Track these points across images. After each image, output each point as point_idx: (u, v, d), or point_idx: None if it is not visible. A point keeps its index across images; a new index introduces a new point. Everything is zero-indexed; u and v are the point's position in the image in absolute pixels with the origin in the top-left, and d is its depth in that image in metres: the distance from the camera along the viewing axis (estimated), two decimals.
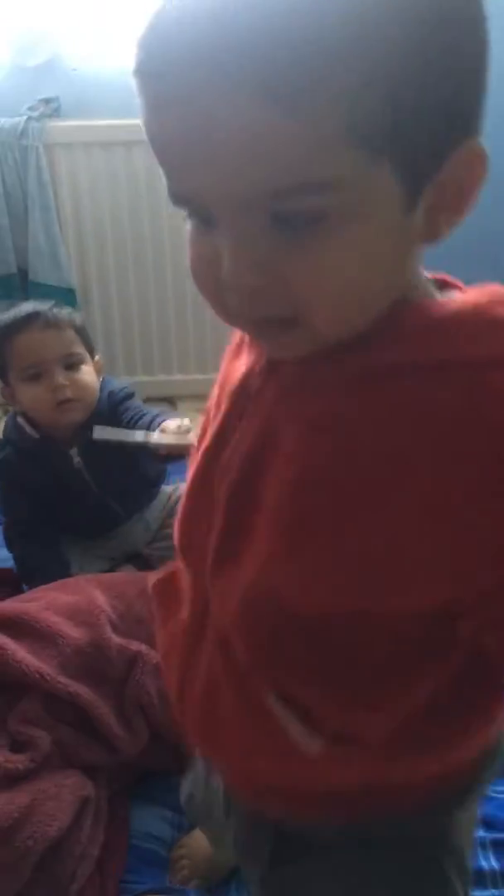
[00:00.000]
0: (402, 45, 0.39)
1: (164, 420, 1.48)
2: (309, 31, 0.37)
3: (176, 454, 1.43)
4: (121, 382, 1.67)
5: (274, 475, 0.54)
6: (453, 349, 0.48)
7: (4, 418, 1.63)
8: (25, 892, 1.01)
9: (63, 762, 1.14)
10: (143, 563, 1.65)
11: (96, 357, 1.58)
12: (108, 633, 1.23)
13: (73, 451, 1.55)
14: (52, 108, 2.08)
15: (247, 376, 0.58)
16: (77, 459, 1.55)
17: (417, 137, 0.42)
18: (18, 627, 1.21)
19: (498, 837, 1.13)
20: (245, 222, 0.44)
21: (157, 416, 1.52)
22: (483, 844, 1.12)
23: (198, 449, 0.63)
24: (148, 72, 0.42)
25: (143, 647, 1.24)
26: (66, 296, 2.17)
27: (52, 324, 1.48)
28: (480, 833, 1.11)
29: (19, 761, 1.09)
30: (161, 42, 0.41)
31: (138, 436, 1.46)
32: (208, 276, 0.48)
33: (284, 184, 0.41)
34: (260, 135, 0.39)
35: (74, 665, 1.19)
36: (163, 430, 1.43)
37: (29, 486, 1.56)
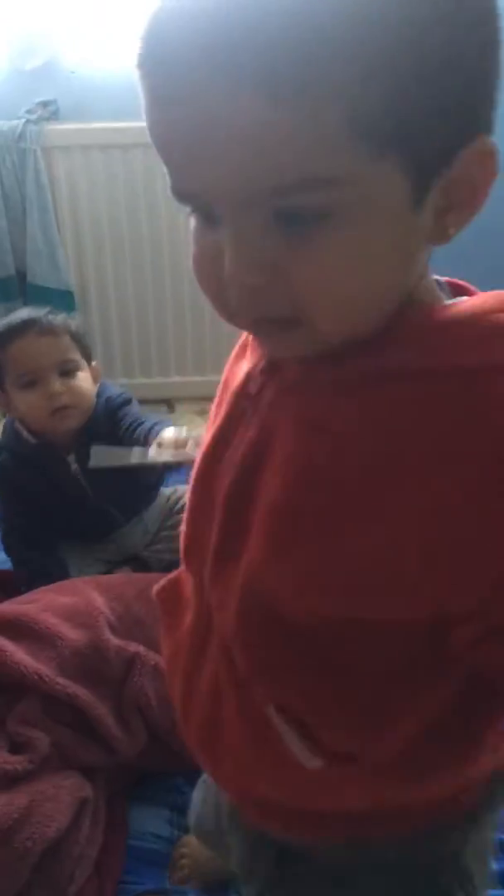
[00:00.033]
0: (404, 39, 0.38)
1: (162, 429, 1.46)
2: (308, 25, 0.37)
3: (175, 467, 1.42)
4: (118, 388, 1.66)
5: (271, 476, 0.53)
6: (453, 354, 0.47)
7: (3, 421, 1.63)
8: (24, 893, 1.01)
9: (61, 763, 1.14)
10: (142, 564, 1.65)
11: (93, 363, 1.57)
12: (107, 634, 1.23)
13: (71, 458, 1.54)
14: (49, 110, 2.08)
15: (248, 377, 0.57)
16: (75, 466, 1.54)
17: (423, 133, 0.41)
18: (17, 629, 1.21)
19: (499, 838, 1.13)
20: (247, 219, 0.43)
21: (154, 424, 1.50)
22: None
23: (200, 451, 0.63)
24: (148, 65, 0.41)
25: (142, 649, 1.24)
26: (64, 298, 2.17)
27: (48, 330, 1.47)
28: None
29: (18, 762, 1.09)
30: (161, 36, 0.40)
31: (135, 456, 1.43)
32: (210, 274, 0.47)
33: (286, 180, 0.40)
34: (260, 130, 0.39)
35: (73, 666, 1.19)
36: (160, 443, 1.40)
37: (26, 491, 1.56)
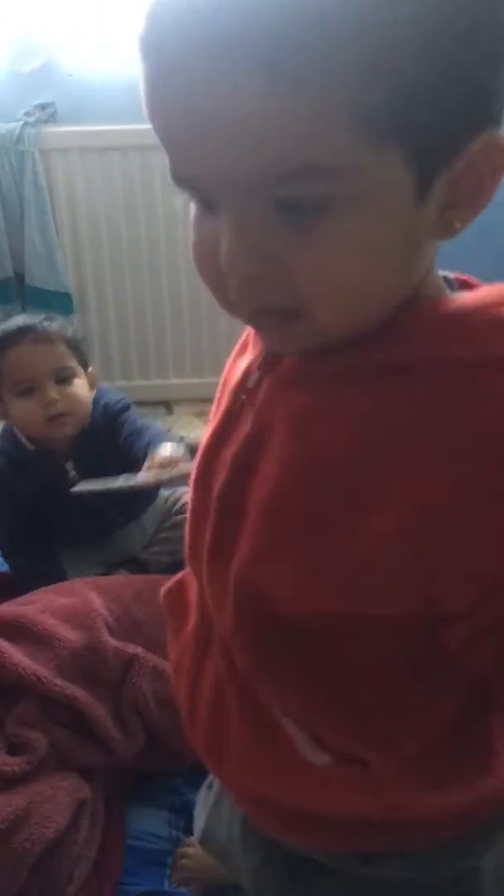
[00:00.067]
0: (410, 26, 0.37)
1: (158, 446, 1.44)
2: (310, 11, 0.36)
3: (168, 485, 1.41)
4: (116, 394, 1.65)
5: (264, 473, 0.53)
6: (452, 347, 0.46)
7: (1, 426, 1.62)
8: (22, 893, 1.01)
9: (60, 764, 1.14)
10: (140, 566, 1.65)
11: (90, 369, 1.56)
12: (105, 635, 1.24)
13: (69, 465, 1.54)
14: (48, 113, 2.08)
15: (246, 373, 0.57)
16: (73, 473, 1.54)
17: (427, 125, 0.39)
18: (15, 630, 1.21)
19: None
20: (246, 207, 0.42)
21: (152, 439, 1.47)
22: None
23: (199, 449, 0.62)
24: (148, 48, 0.41)
25: (140, 650, 1.24)
26: (63, 300, 2.18)
27: (43, 338, 1.47)
28: None
29: (16, 764, 1.09)
30: (162, 19, 0.40)
31: (120, 481, 1.42)
32: (210, 263, 0.46)
33: (284, 167, 0.40)
34: (259, 114, 0.38)
35: (71, 668, 1.19)
36: (152, 463, 1.38)
37: (24, 495, 1.55)
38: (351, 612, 0.50)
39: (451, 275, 0.53)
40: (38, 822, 1.03)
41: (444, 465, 0.45)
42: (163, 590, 0.73)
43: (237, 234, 0.43)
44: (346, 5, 0.36)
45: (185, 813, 1.19)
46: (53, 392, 1.47)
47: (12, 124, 2.04)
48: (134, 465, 1.44)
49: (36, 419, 1.49)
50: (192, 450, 2.04)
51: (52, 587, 1.37)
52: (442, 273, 0.52)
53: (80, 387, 1.51)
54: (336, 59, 0.36)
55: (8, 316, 2.14)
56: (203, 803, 0.90)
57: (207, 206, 0.45)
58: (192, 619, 0.65)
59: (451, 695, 0.54)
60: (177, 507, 1.68)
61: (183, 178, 0.44)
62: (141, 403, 2.15)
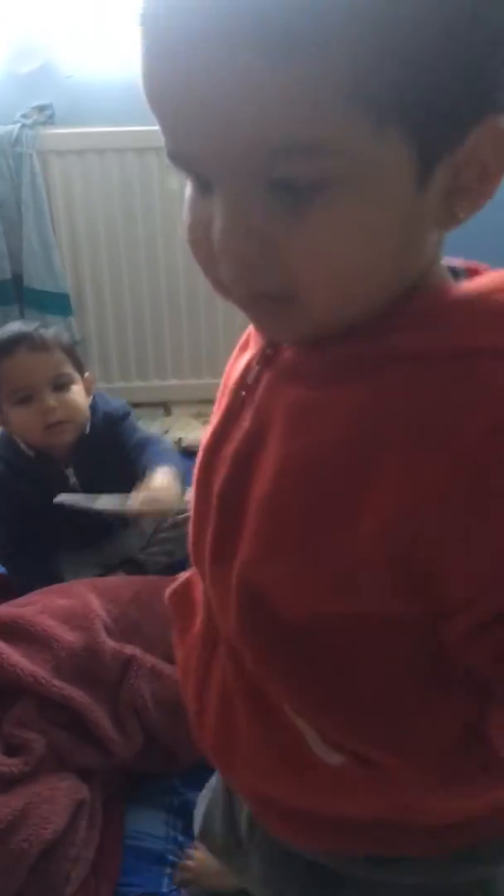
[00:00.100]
0: (414, 3, 0.35)
1: (157, 465, 1.44)
2: None
3: (150, 516, 1.40)
4: (116, 401, 1.65)
5: (263, 470, 0.52)
6: (451, 336, 0.45)
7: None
8: (20, 894, 1.01)
9: (58, 765, 1.14)
10: (137, 567, 1.65)
11: (86, 374, 1.56)
12: (103, 636, 1.24)
13: (70, 471, 1.54)
14: (45, 115, 2.08)
15: (247, 368, 0.56)
16: (73, 480, 1.54)
17: (430, 104, 0.38)
18: (13, 631, 1.21)
19: None
20: (241, 186, 0.41)
21: (149, 461, 1.47)
22: None
23: (200, 448, 0.61)
24: (145, 17, 0.40)
25: (138, 651, 1.24)
26: (61, 301, 2.18)
27: (40, 346, 1.46)
28: None
29: (14, 765, 1.09)
30: None
31: (103, 500, 1.42)
32: (203, 245, 0.45)
33: (278, 143, 0.38)
34: (253, 87, 0.37)
35: (69, 669, 1.19)
36: (136, 497, 1.38)
37: (23, 501, 1.55)
38: (351, 611, 0.50)
39: (460, 263, 0.51)
40: (35, 823, 1.03)
41: (441, 463, 0.44)
42: (168, 591, 0.71)
43: (230, 215, 0.42)
44: None
45: (183, 813, 1.19)
46: (52, 400, 1.46)
47: (10, 126, 2.04)
48: (131, 480, 1.46)
49: (35, 427, 1.48)
50: (190, 451, 2.05)
51: (50, 588, 1.37)
52: (450, 262, 0.50)
53: (78, 393, 1.51)
54: (334, 28, 0.35)
55: (6, 317, 2.15)
56: (203, 800, 0.90)
57: (203, 186, 0.44)
58: (199, 620, 0.64)
59: (454, 697, 0.53)
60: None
61: (179, 156, 0.43)
62: (139, 405, 2.16)
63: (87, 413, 1.54)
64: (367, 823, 0.60)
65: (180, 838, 1.18)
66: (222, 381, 0.61)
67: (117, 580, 1.44)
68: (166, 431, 2.23)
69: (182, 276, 2.20)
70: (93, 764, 1.18)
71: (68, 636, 1.22)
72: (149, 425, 2.16)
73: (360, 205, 0.41)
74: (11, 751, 1.12)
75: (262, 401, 0.53)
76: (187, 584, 0.69)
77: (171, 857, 1.15)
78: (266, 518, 0.51)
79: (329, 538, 0.48)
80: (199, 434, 2.12)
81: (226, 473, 0.55)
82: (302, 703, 0.56)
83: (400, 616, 0.50)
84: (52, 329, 1.53)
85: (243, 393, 0.55)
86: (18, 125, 2.04)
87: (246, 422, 0.54)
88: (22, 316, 2.21)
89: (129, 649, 1.24)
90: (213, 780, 0.88)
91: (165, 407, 2.38)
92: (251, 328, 0.58)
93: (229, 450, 0.55)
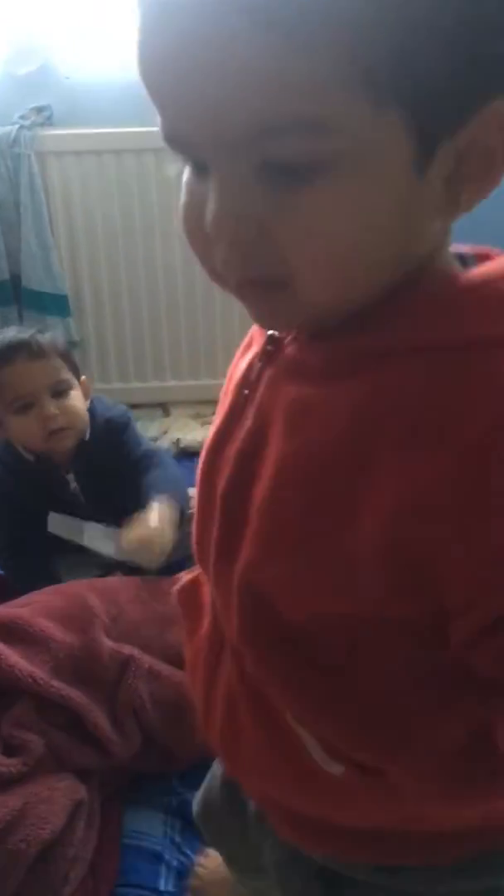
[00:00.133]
0: None
1: (157, 494, 1.43)
2: None
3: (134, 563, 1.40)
4: (116, 407, 1.64)
5: (264, 470, 0.51)
6: (451, 327, 0.44)
7: None
8: (18, 894, 1.01)
9: (56, 766, 1.14)
10: (136, 568, 1.65)
11: (83, 378, 1.56)
12: (101, 637, 1.24)
13: (70, 477, 1.54)
14: (44, 116, 2.08)
15: (249, 366, 0.55)
16: (74, 485, 1.54)
17: (431, 85, 0.37)
18: (11, 632, 1.21)
19: None
20: (235, 166, 0.41)
21: (153, 487, 1.46)
22: None
23: (203, 448, 0.60)
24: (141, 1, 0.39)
25: (136, 651, 1.24)
26: (59, 302, 2.18)
27: (38, 353, 1.46)
28: None
29: (12, 765, 1.09)
30: None
31: (93, 534, 1.41)
32: (198, 229, 0.44)
33: (276, 120, 0.38)
34: (248, 61, 0.36)
35: (67, 669, 1.19)
36: (130, 537, 1.38)
37: (22, 505, 1.55)
38: (351, 612, 0.50)
39: (469, 249, 0.50)
40: (33, 823, 1.03)
41: (440, 462, 0.43)
42: (175, 588, 0.71)
43: (224, 196, 0.42)
44: None
45: (181, 814, 1.19)
46: (52, 407, 1.46)
47: (8, 127, 2.04)
48: (132, 485, 1.47)
49: (36, 435, 1.48)
50: (189, 452, 2.05)
51: (48, 589, 1.37)
52: (458, 249, 0.49)
53: (77, 398, 1.51)
54: (334, 10, 0.35)
55: (5, 318, 2.15)
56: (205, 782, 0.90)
57: (200, 169, 0.44)
58: (206, 621, 0.64)
59: (457, 702, 0.52)
60: None
61: (175, 139, 0.43)
62: (138, 406, 2.16)
63: (87, 417, 1.53)
64: (367, 832, 0.60)
65: (178, 839, 1.18)
66: (226, 381, 0.61)
67: (116, 581, 1.44)
68: (165, 432, 2.23)
69: (180, 277, 2.21)
70: (91, 764, 1.18)
71: (66, 637, 1.22)
72: (147, 426, 2.17)
73: (356, 188, 0.40)
74: (10, 751, 1.12)
75: (263, 398, 0.53)
76: (195, 584, 0.68)
77: (167, 857, 1.15)
78: (266, 518, 0.51)
79: (328, 538, 0.48)
80: (198, 435, 2.13)
81: (229, 473, 0.54)
82: (301, 706, 0.56)
83: (400, 618, 0.49)
84: (48, 334, 1.53)
85: (246, 391, 0.55)
86: (17, 126, 2.04)
87: (248, 420, 0.53)
88: (20, 317, 2.21)
89: (128, 649, 1.24)
90: (215, 766, 0.89)
91: (164, 408, 2.38)
92: (255, 327, 0.58)
93: (233, 449, 0.54)
